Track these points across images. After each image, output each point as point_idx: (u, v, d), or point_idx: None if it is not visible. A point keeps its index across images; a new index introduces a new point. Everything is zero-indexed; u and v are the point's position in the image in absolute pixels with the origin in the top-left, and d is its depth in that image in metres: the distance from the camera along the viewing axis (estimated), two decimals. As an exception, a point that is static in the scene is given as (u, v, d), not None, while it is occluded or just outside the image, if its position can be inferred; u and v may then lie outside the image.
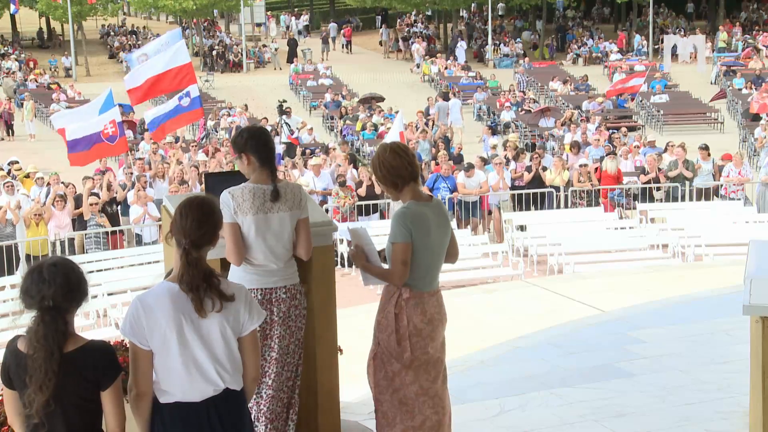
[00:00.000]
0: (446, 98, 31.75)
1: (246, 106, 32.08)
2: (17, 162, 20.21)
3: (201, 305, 3.76)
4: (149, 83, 16.37)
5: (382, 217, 16.62)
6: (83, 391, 3.63)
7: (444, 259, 5.05)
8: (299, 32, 54.84)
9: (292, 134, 26.56)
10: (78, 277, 3.65)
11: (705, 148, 18.11)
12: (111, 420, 3.68)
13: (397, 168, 4.88)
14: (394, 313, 4.86)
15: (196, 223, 3.85)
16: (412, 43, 49.99)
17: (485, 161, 18.63)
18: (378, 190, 16.23)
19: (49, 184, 17.02)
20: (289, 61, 46.05)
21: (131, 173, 18.11)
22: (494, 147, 21.57)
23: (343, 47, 52.70)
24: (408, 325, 4.85)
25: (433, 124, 28.03)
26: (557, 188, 17.39)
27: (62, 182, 16.88)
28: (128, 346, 3.89)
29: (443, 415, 4.95)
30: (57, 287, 3.57)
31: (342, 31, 53.96)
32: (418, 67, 45.27)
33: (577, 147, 20.10)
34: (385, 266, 4.94)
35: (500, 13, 54.80)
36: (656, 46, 47.70)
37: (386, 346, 4.89)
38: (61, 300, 3.59)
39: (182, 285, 3.79)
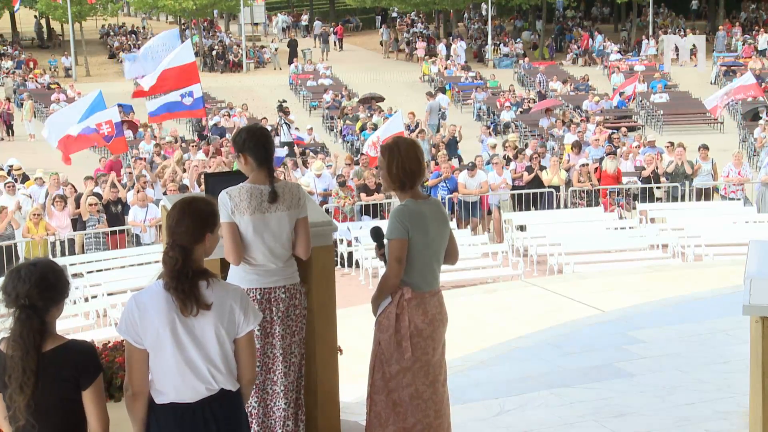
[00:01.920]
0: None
1: (246, 106, 32.06)
2: (16, 162, 20.22)
3: (183, 305, 3.74)
4: (155, 78, 16.42)
5: (382, 217, 16.61)
6: (63, 390, 3.62)
7: (443, 259, 5.04)
8: (283, 30, 54.76)
9: (291, 132, 26.52)
10: (56, 277, 3.65)
11: (705, 148, 18.12)
12: (93, 420, 3.66)
13: (414, 172, 4.86)
14: (396, 314, 4.85)
15: (178, 222, 3.83)
16: (414, 44, 49.91)
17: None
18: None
19: (44, 182, 17.04)
20: (290, 62, 45.98)
21: (130, 173, 18.09)
22: (494, 147, 21.54)
23: (334, 44, 52.60)
24: (409, 326, 4.84)
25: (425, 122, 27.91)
26: (557, 188, 17.37)
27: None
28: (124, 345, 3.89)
29: (434, 419, 4.92)
30: (32, 285, 3.57)
31: (333, 29, 53.93)
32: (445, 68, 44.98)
33: (578, 147, 20.10)
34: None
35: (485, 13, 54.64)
36: (655, 54, 47.50)
37: (386, 346, 4.87)
38: (37, 298, 3.58)
39: (166, 283, 3.78)
